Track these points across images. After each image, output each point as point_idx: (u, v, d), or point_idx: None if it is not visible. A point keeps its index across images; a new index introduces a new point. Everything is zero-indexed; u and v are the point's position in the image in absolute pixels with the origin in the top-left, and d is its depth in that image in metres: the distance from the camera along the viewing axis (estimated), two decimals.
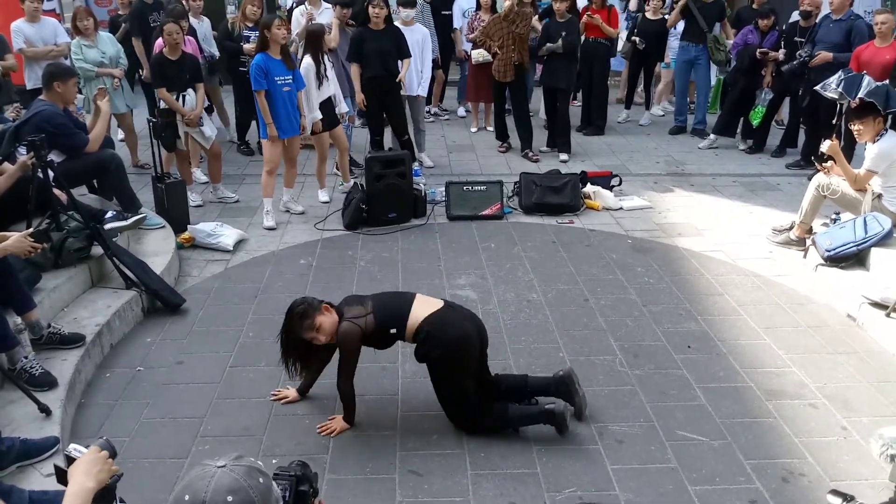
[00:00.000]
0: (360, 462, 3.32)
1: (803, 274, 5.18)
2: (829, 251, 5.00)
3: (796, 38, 7.45)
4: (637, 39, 8.91)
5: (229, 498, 1.44)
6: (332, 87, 6.40)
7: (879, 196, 5.12)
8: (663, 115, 9.83)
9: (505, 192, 6.47)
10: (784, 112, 8.57)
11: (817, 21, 7.40)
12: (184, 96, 6.19)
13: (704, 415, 3.65)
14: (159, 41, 6.55)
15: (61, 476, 1.77)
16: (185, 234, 5.67)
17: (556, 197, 6.37)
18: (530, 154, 7.91)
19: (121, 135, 7.62)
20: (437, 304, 3.46)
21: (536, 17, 7.97)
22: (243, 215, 6.34)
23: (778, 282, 5.12)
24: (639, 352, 4.22)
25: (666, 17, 8.77)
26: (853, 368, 4.06)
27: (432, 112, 9.70)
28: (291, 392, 3.77)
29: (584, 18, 8.30)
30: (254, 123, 7.51)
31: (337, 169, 6.98)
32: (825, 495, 2.97)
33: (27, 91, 6.99)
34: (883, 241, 4.85)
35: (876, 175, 5.12)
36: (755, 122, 8.03)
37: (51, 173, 4.38)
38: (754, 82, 7.97)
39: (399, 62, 6.91)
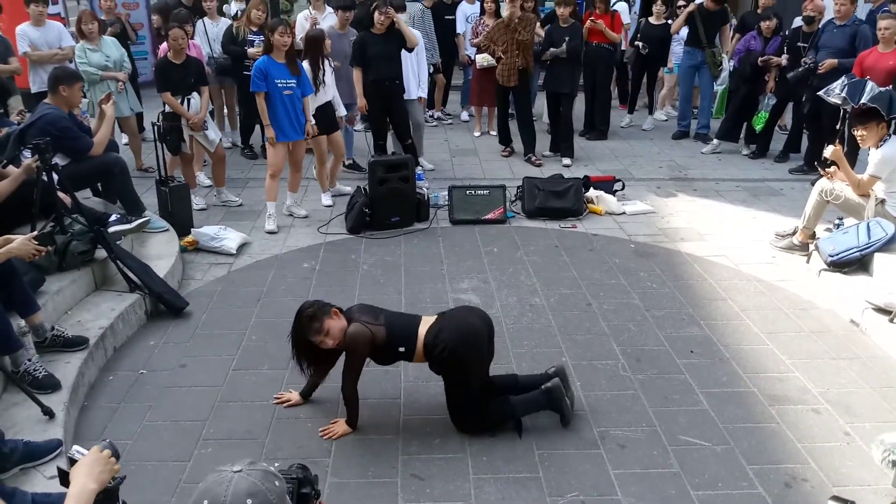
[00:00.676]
0: (362, 466, 3.32)
1: (806, 279, 5.17)
2: (832, 256, 4.99)
3: (799, 44, 7.45)
4: (640, 44, 8.93)
5: (249, 501, 1.47)
6: (330, 92, 6.40)
7: (883, 201, 5.11)
8: (666, 120, 9.83)
9: (508, 197, 6.48)
10: (787, 117, 8.56)
11: (820, 26, 7.40)
12: (188, 100, 6.21)
13: (707, 420, 3.64)
14: (164, 45, 6.59)
15: (64, 478, 1.77)
16: (189, 238, 5.68)
17: (558, 201, 6.37)
18: (533, 158, 7.92)
19: (125, 138, 7.64)
20: (434, 318, 3.53)
21: (539, 23, 7.97)
22: (247, 219, 6.36)
23: (781, 287, 5.11)
24: (641, 356, 4.21)
25: (669, 22, 8.78)
26: (856, 374, 4.05)
27: (435, 116, 9.71)
28: (294, 395, 3.77)
29: (588, 23, 8.32)
30: (258, 127, 7.53)
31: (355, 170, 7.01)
32: (828, 501, 2.97)
33: (32, 94, 7.03)
34: (886, 246, 4.84)
35: (879, 180, 5.11)
36: (758, 128, 8.03)
37: (55, 176, 4.39)
38: (757, 88, 7.98)
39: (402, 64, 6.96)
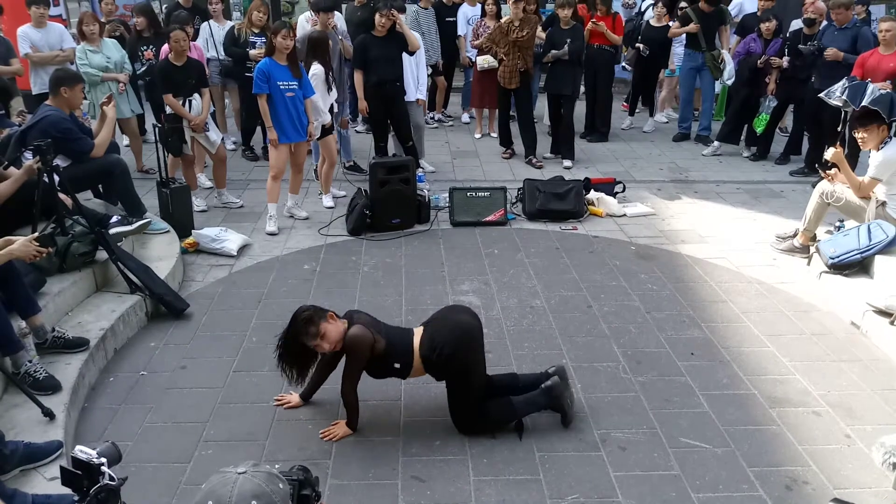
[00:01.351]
0: (363, 467, 3.32)
1: (807, 281, 5.17)
2: (832, 259, 4.99)
3: (800, 46, 7.45)
4: (641, 46, 8.94)
5: (254, 503, 1.47)
6: (334, 94, 6.41)
7: (883, 204, 5.11)
8: (667, 122, 9.84)
9: (508, 199, 6.48)
10: (788, 119, 8.57)
11: (820, 29, 7.40)
12: (190, 101, 6.22)
13: (708, 422, 3.64)
14: (165, 47, 6.59)
15: (67, 478, 1.77)
16: (190, 239, 5.68)
17: (559, 203, 6.38)
18: (534, 160, 7.92)
19: (126, 140, 7.65)
20: (421, 329, 3.54)
21: (540, 27, 7.97)
22: (247, 220, 6.36)
23: (782, 289, 5.11)
24: (642, 358, 4.21)
25: (670, 24, 8.79)
26: (857, 376, 4.05)
27: (435, 118, 9.72)
28: (294, 397, 3.77)
29: (589, 25, 8.32)
30: (259, 129, 7.54)
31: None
32: (828, 503, 2.97)
33: (33, 96, 7.04)
34: (887, 248, 4.84)
35: (880, 183, 5.11)
36: (759, 130, 8.03)
37: (56, 178, 4.39)
38: (757, 91, 7.98)
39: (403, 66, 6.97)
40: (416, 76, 7.34)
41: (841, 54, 6.92)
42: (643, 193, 7.07)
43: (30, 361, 3.62)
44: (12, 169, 4.48)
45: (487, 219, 6.30)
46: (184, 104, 6.19)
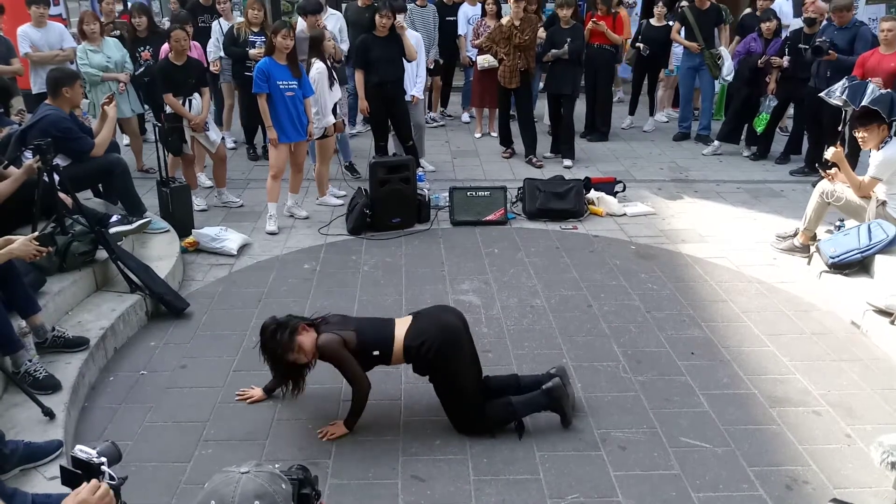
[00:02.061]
0: (363, 467, 3.32)
1: (807, 281, 5.17)
2: (833, 258, 4.99)
3: (800, 45, 7.45)
4: (641, 46, 8.93)
5: (256, 503, 1.48)
6: (337, 93, 6.42)
7: (884, 203, 5.11)
8: (667, 122, 9.84)
9: (509, 198, 6.48)
10: (788, 119, 8.56)
11: (821, 28, 7.40)
12: (190, 101, 6.22)
13: (708, 421, 3.64)
14: (165, 46, 6.59)
15: (67, 477, 1.77)
16: (190, 239, 5.68)
17: (559, 203, 6.37)
18: (534, 160, 7.92)
19: (126, 139, 7.65)
20: (409, 319, 3.53)
21: (542, 27, 7.97)
22: (247, 220, 6.36)
23: (782, 289, 5.11)
24: (642, 358, 4.21)
25: (670, 24, 8.79)
26: (857, 376, 4.05)
27: (432, 118, 9.72)
28: (257, 391, 3.79)
29: (590, 25, 8.32)
30: (261, 128, 7.54)
31: (355, 173, 7.00)
32: (828, 503, 2.97)
33: (33, 95, 7.04)
34: (887, 248, 4.84)
35: (880, 182, 5.11)
36: (759, 129, 8.03)
37: (56, 177, 4.39)
38: (757, 90, 7.98)
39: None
40: (413, 73, 7.34)
41: (835, 55, 6.90)
42: (643, 193, 7.07)
43: (30, 361, 3.61)
44: (12, 168, 4.48)
45: (487, 218, 6.29)
46: (184, 103, 6.19)
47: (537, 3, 8.66)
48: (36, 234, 3.86)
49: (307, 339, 3.40)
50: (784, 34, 7.90)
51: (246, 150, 8.24)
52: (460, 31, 9.08)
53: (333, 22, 7.69)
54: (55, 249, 4.34)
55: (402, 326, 3.47)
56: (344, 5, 8.94)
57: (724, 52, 8.44)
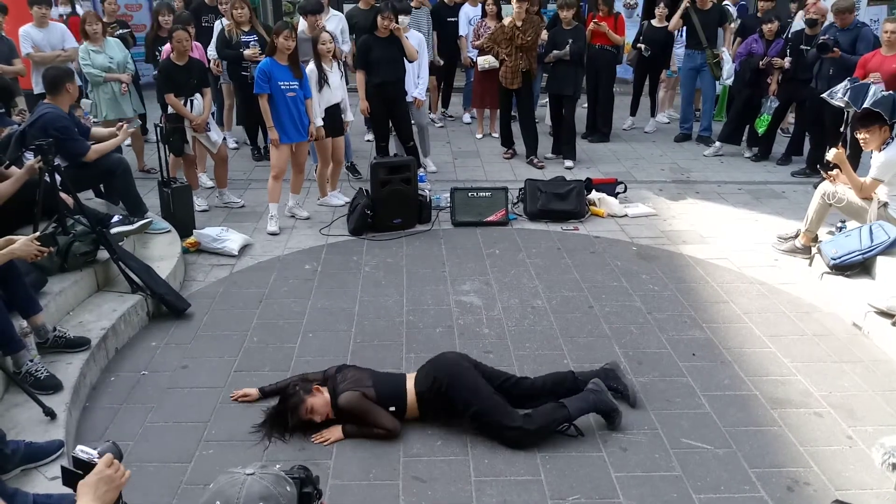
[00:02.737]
0: (364, 467, 3.31)
1: (809, 282, 5.16)
2: (834, 259, 4.99)
3: (802, 46, 7.46)
4: (643, 47, 8.94)
5: None
6: (337, 94, 6.40)
7: (885, 204, 5.11)
8: (668, 123, 9.84)
9: (510, 199, 6.48)
10: (790, 120, 8.56)
11: (823, 29, 7.40)
12: (191, 101, 6.22)
13: (709, 423, 3.64)
14: (167, 47, 6.60)
15: (67, 478, 1.77)
16: (191, 239, 5.69)
17: (560, 203, 6.37)
18: (535, 161, 7.92)
19: (127, 139, 7.64)
20: (415, 372, 3.65)
21: (545, 29, 7.96)
22: (249, 220, 6.36)
23: (783, 290, 5.11)
24: (643, 359, 4.21)
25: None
26: (859, 377, 4.04)
27: (431, 119, 9.71)
28: (253, 391, 3.79)
29: (591, 26, 8.32)
30: (261, 128, 7.55)
31: (356, 174, 7.01)
32: None
33: (34, 95, 7.04)
34: (889, 249, 4.83)
35: (882, 184, 5.11)
36: (761, 130, 8.03)
37: (57, 177, 4.39)
38: (759, 91, 7.98)
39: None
40: (415, 75, 7.34)
41: (839, 53, 6.91)
42: (645, 194, 7.07)
43: (31, 361, 3.62)
44: (13, 168, 4.48)
45: (489, 219, 6.29)
46: (185, 104, 6.20)
47: (539, 4, 8.65)
48: (37, 234, 3.86)
49: (319, 400, 3.49)
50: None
51: (250, 150, 8.24)
52: (461, 32, 9.08)
53: (335, 23, 7.69)
54: (56, 250, 4.35)
55: (411, 380, 3.59)
56: (346, 6, 8.92)
57: (726, 54, 8.43)
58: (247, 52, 7.33)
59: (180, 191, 5.93)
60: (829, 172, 5.46)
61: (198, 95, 6.27)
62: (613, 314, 4.74)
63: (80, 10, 9.24)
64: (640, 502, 3.12)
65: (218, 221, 6.24)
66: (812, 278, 5.18)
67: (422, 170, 7.09)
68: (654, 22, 8.94)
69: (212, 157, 6.62)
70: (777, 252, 5.69)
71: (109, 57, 6.84)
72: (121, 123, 5.66)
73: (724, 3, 9.02)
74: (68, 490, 1.77)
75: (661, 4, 8.81)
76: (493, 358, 4.15)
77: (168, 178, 5.97)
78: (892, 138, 5.12)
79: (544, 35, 7.79)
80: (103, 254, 4.64)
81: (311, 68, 6.17)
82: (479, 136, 9.19)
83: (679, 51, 9.15)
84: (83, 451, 1.75)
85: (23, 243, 3.43)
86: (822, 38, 6.98)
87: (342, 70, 6.47)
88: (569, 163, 7.92)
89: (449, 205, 6.44)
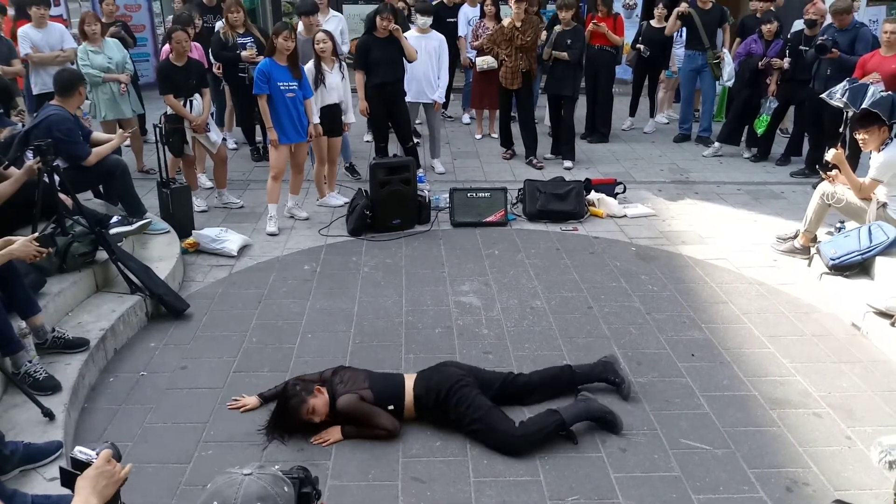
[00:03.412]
0: (363, 468, 3.31)
1: (808, 282, 5.17)
2: (833, 260, 4.99)
3: (801, 47, 7.46)
4: (642, 47, 8.94)
5: None
6: (334, 94, 6.38)
7: (884, 205, 5.11)
8: (668, 123, 9.84)
9: (509, 199, 6.48)
10: (789, 121, 8.56)
11: (822, 30, 7.41)
12: (191, 102, 6.22)
13: (708, 423, 3.64)
14: (166, 47, 6.60)
15: (66, 478, 1.77)
16: (190, 240, 5.68)
17: (560, 204, 6.37)
18: (534, 161, 7.92)
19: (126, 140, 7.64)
20: (414, 375, 3.67)
21: (545, 30, 7.95)
22: (248, 221, 6.36)
23: (782, 290, 5.11)
24: (642, 360, 4.21)
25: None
26: (858, 377, 4.04)
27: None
28: (251, 399, 3.76)
29: (590, 26, 8.32)
30: (259, 128, 7.55)
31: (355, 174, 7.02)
32: None
33: (34, 96, 7.04)
34: (888, 249, 4.83)
35: (881, 184, 5.11)
36: (760, 131, 8.03)
37: (56, 178, 4.39)
38: (758, 92, 7.98)
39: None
40: (434, 78, 7.32)
41: (837, 53, 6.91)
42: (644, 194, 7.07)
43: (30, 362, 3.61)
44: (13, 169, 4.48)
45: (488, 219, 6.29)
46: (185, 104, 6.19)
47: (538, 4, 8.65)
48: (36, 234, 3.85)
49: (320, 401, 3.49)
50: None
51: (250, 151, 8.24)
52: (460, 33, 9.08)
53: (335, 24, 7.69)
54: (55, 250, 4.34)
55: (409, 381, 3.61)
56: (345, 7, 8.92)
57: (727, 55, 8.44)
58: (244, 53, 7.33)
59: (179, 191, 5.93)
60: (828, 173, 5.47)
61: (197, 96, 6.27)
62: (612, 315, 4.74)
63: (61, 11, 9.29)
64: (640, 503, 3.12)
65: (217, 222, 6.24)
66: (811, 279, 5.18)
67: (421, 170, 7.07)
68: (654, 22, 8.94)
69: (211, 157, 6.62)
70: (776, 252, 5.69)
71: (108, 57, 6.83)
72: (121, 130, 5.67)
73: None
74: (67, 491, 1.77)
75: (661, 5, 8.81)
76: (492, 358, 4.15)
77: (167, 179, 5.97)
78: (891, 139, 5.12)
79: (544, 36, 7.79)
80: (102, 254, 4.64)
81: (308, 67, 6.17)
82: (479, 136, 9.19)
83: (678, 51, 9.15)
84: (82, 452, 1.75)
85: (22, 244, 3.43)
86: (820, 38, 7.00)
87: (343, 72, 6.44)
88: (568, 163, 7.92)
89: (448, 205, 6.44)
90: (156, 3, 11.98)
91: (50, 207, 4.42)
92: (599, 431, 3.56)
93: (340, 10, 9.09)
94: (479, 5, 8.82)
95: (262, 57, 6.14)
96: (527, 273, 5.36)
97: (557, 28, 7.69)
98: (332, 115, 6.39)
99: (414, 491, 3.18)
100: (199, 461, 3.35)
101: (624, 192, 6.88)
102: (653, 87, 9.56)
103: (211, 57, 7.63)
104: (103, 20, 7.44)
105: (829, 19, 7.49)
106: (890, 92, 5.76)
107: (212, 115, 6.74)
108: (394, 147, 7.26)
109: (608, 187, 6.80)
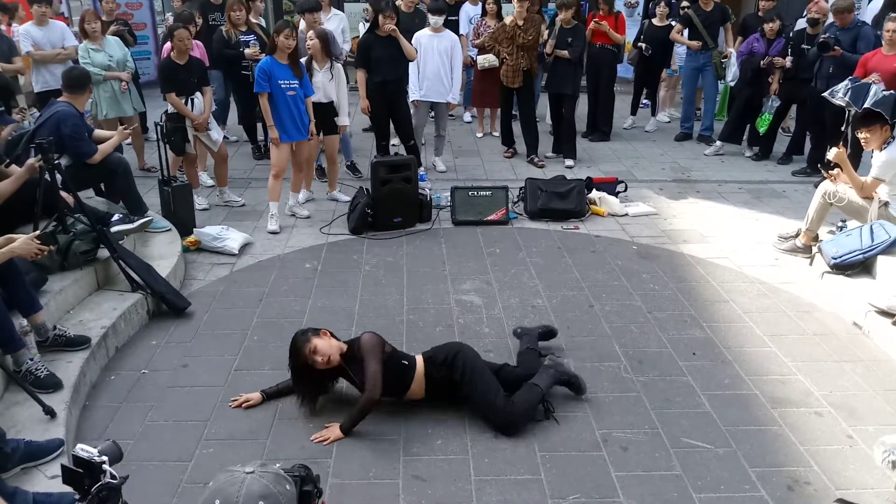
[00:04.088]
0: (364, 466, 3.31)
1: (809, 281, 5.16)
2: (835, 259, 4.98)
3: (803, 46, 7.45)
4: (643, 46, 8.93)
5: (261, 503, 1.47)
6: (321, 94, 6.29)
7: (886, 204, 5.10)
8: (669, 122, 9.84)
9: (510, 198, 6.48)
10: (791, 119, 8.56)
11: (824, 28, 7.40)
12: (192, 100, 6.22)
13: (709, 422, 3.64)
14: (167, 45, 6.60)
15: (68, 476, 1.77)
16: (191, 238, 5.68)
17: (561, 203, 6.37)
18: (536, 160, 7.92)
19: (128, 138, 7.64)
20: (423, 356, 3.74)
21: (547, 30, 7.94)
22: (249, 219, 6.36)
23: (784, 289, 5.10)
24: (644, 358, 4.21)
25: (672, 23, 8.78)
26: (859, 377, 4.04)
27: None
28: (254, 395, 3.76)
29: (591, 25, 8.32)
30: (260, 126, 7.56)
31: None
32: (833, 503, 2.97)
33: (35, 94, 7.05)
34: (889, 248, 4.83)
35: (883, 183, 5.11)
36: (762, 130, 8.03)
37: (58, 176, 4.39)
38: (760, 90, 7.97)
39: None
40: (449, 78, 7.30)
41: (839, 51, 6.91)
42: (645, 193, 7.07)
43: (31, 359, 3.61)
44: (14, 167, 4.48)
45: (489, 218, 6.29)
46: (186, 103, 6.19)
47: (539, 3, 8.64)
48: (37, 232, 3.85)
49: (324, 343, 3.51)
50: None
51: (251, 149, 8.24)
52: (461, 31, 9.06)
53: (336, 22, 7.69)
54: (56, 248, 4.34)
55: (420, 358, 3.69)
56: (346, 6, 8.92)
57: (734, 55, 8.42)
58: (247, 51, 7.34)
59: (180, 189, 5.93)
60: (829, 172, 5.46)
61: (198, 94, 6.27)
62: (614, 313, 4.74)
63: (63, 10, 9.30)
64: (641, 502, 3.12)
65: (218, 220, 6.23)
66: (813, 278, 5.18)
67: (422, 169, 7.07)
68: (655, 21, 8.94)
69: (212, 155, 6.62)
70: (778, 251, 5.69)
71: (109, 55, 6.84)
72: (121, 128, 5.68)
73: None
74: (68, 489, 1.77)
75: (662, 3, 8.80)
76: (493, 357, 4.14)
77: (168, 177, 5.97)
78: (893, 138, 5.12)
79: (546, 32, 7.78)
80: (103, 252, 4.64)
81: (303, 62, 6.16)
82: (480, 134, 9.19)
83: (680, 50, 9.14)
84: (83, 450, 1.76)
85: (23, 242, 3.43)
86: (822, 37, 6.99)
87: (333, 73, 6.31)
88: (569, 162, 7.92)
89: (449, 204, 6.44)
90: (157, 1, 11.98)
91: (51, 205, 4.41)
92: (600, 429, 3.56)
93: (342, 9, 9.08)
94: (480, 3, 8.82)
95: (264, 54, 6.13)
96: (528, 271, 5.36)
97: (559, 20, 7.69)
98: (319, 114, 6.25)
99: (415, 489, 3.18)
100: (200, 459, 3.35)
101: (625, 190, 6.88)
102: (654, 85, 9.54)
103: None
104: (104, 18, 7.44)
105: (830, 18, 7.48)
106: (892, 91, 5.76)
107: (213, 112, 6.74)
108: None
109: (609, 186, 6.79)
